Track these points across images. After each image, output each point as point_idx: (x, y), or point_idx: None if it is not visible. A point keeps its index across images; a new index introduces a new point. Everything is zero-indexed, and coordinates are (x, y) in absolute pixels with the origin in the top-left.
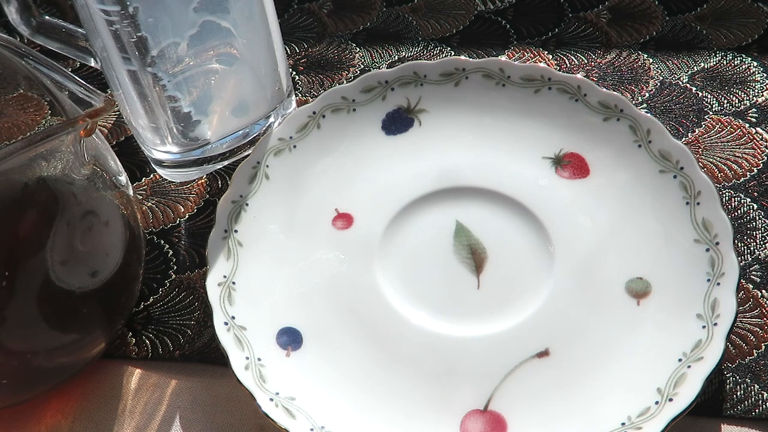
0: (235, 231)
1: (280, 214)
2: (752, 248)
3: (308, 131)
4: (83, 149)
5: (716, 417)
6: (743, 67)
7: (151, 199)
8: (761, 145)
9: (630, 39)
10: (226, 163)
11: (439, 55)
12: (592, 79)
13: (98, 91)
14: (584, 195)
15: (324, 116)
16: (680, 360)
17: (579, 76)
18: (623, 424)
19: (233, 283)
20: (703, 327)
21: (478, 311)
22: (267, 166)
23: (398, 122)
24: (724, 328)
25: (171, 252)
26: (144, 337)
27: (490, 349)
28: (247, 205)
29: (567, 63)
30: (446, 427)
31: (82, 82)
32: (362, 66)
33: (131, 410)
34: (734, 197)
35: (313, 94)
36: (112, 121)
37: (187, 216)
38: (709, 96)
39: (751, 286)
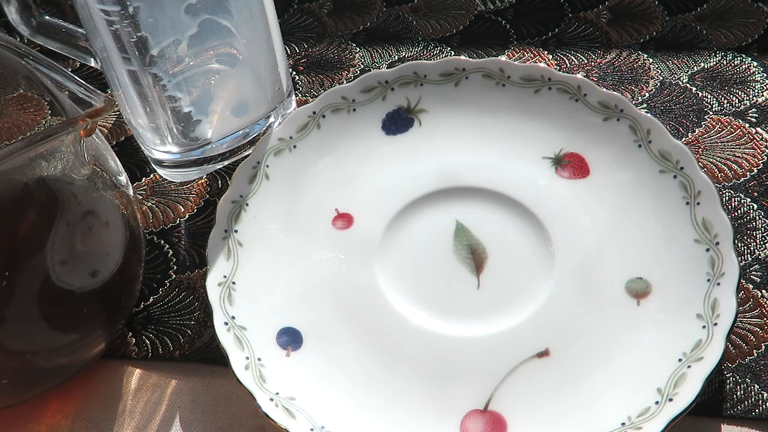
0: (235, 231)
1: (280, 214)
2: (752, 248)
3: (308, 131)
4: (83, 149)
5: (716, 417)
6: (743, 67)
7: (151, 199)
8: (761, 145)
9: (630, 39)
10: (226, 163)
11: (439, 55)
12: (592, 79)
13: (98, 91)
14: (584, 195)
15: (324, 116)
16: (680, 360)
17: (579, 76)
18: (623, 424)
19: (233, 283)
20: (703, 327)
21: (478, 311)
22: (267, 166)
23: (398, 122)
24: (724, 328)
25: (171, 252)
26: (144, 337)
27: (490, 349)
28: (247, 205)
29: (567, 63)
30: (446, 427)
31: (82, 82)
32: (362, 66)
33: (131, 410)
34: (734, 197)
35: (313, 94)
36: (112, 121)
37: (187, 216)
38: (709, 96)
39: (751, 286)
